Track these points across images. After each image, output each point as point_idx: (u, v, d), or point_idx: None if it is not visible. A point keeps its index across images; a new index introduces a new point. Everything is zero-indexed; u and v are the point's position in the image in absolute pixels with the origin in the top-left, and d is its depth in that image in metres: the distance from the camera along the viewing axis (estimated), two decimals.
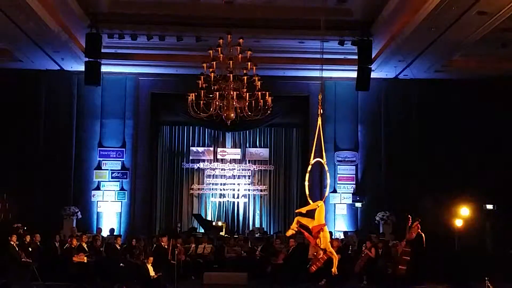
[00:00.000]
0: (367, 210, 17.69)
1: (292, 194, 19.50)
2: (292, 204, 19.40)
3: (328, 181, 10.10)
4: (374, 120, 18.16)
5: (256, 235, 17.10)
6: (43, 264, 13.46)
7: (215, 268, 14.23)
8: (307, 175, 9.20)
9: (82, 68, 15.80)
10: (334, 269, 8.67)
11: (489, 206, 15.72)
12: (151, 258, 12.81)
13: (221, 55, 10.97)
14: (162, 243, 13.94)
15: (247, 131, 19.52)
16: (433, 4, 11.93)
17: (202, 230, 17.60)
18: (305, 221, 8.93)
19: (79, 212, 16.97)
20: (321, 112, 9.30)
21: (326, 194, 9.74)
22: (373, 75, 16.07)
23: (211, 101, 11.11)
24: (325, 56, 14.71)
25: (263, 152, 19.77)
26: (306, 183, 9.20)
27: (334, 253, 8.69)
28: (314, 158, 9.18)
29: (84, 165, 17.80)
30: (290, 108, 18.57)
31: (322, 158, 9.23)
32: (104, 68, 15.97)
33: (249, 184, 19.58)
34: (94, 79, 15.54)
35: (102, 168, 17.89)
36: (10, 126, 17.20)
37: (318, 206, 8.73)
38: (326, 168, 9.26)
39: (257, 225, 19.18)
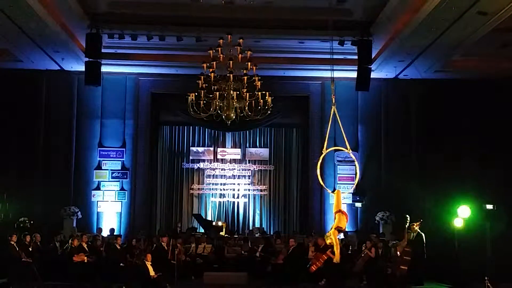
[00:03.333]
0: (367, 210, 17.69)
1: (292, 194, 19.50)
2: (292, 204, 19.43)
3: (357, 167, 10.14)
4: (374, 120, 18.16)
5: (256, 235, 17.10)
6: (43, 264, 13.46)
7: (215, 268, 14.21)
8: (318, 164, 9.34)
9: (82, 68, 15.81)
10: (336, 258, 8.95)
11: (489, 206, 15.68)
12: (149, 255, 12.83)
13: (221, 55, 11.01)
14: (162, 243, 13.96)
15: (247, 131, 19.52)
16: (433, 4, 11.93)
17: (202, 230, 17.61)
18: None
19: (79, 212, 16.97)
20: (334, 102, 9.52)
21: (356, 181, 10.12)
22: (373, 75, 16.07)
23: (211, 101, 11.14)
24: (325, 56, 14.78)
25: (263, 152, 19.78)
26: (318, 171, 9.33)
27: (335, 240, 8.89)
28: (327, 149, 9.38)
29: (84, 165, 17.80)
30: (290, 108, 18.57)
31: (346, 148, 9.41)
32: (104, 68, 15.97)
33: (249, 184, 19.58)
34: (94, 79, 15.54)
35: (102, 168, 17.88)
36: (10, 126, 17.20)
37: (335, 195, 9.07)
38: (352, 156, 9.39)
39: (257, 225, 19.18)
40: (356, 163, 10.46)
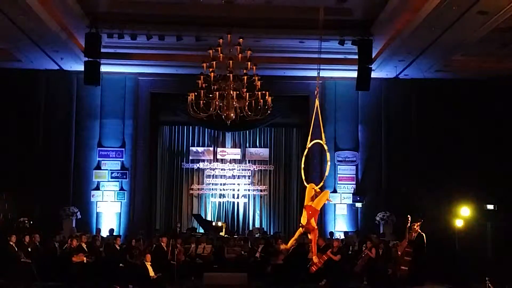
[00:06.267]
0: (367, 210, 17.68)
1: (292, 194, 19.48)
2: (292, 204, 19.42)
3: (328, 163, 10.00)
4: (374, 120, 18.15)
5: (256, 235, 17.08)
6: (42, 264, 13.44)
7: (215, 268, 14.20)
8: (303, 158, 9.21)
9: (81, 68, 15.78)
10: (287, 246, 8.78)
11: (489, 206, 15.68)
12: (149, 256, 12.81)
13: (221, 55, 10.96)
14: (162, 243, 13.94)
15: (247, 131, 19.51)
16: (433, 4, 11.92)
17: (202, 230, 17.59)
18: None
19: (79, 212, 16.95)
20: (318, 92, 9.44)
21: (326, 174, 9.61)
22: (373, 75, 16.06)
23: (211, 101, 11.09)
24: (325, 56, 14.76)
25: (263, 152, 19.77)
26: (302, 165, 9.18)
27: (312, 228, 8.70)
28: (311, 141, 9.18)
29: (84, 165, 17.77)
30: (290, 108, 18.55)
31: (321, 139, 9.22)
32: (103, 68, 15.94)
33: (249, 184, 19.57)
34: (94, 79, 15.52)
35: (102, 168, 17.85)
36: (9, 126, 17.18)
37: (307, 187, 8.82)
38: (326, 148, 9.21)
39: (257, 225, 19.18)
40: (328, 156, 10.28)
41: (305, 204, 8.72)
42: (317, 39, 14.37)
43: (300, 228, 8.70)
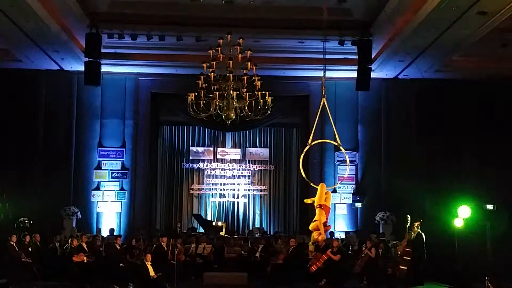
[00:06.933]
0: (367, 210, 17.69)
1: (292, 194, 19.49)
2: (292, 204, 19.43)
3: (348, 164, 10.02)
4: (374, 120, 18.16)
5: (256, 235, 17.09)
6: (43, 264, 13.47)
7: (215, 268, 14.22)
8: (302, 154, 9.22)
9: (82, 68, 15.80)
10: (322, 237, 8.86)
11: (489, 206, 15.67)
12: (149, 256, 12.83)
13: (221, 55, 10.96)
14: (162, 243, 13.96)
15: (247, 131, 19.53)
16: (433, 4, 11.93)
17: (202, 230, 17.61)
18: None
19: (79, 212, 16.97)
20: (324, 91, 9.49)
21: (346, 175, 9.77)
22: (373, 75, 16.06)
23: (211, 101, 11.10)
24: (325, 56, 14.73)
25: (263, 152, 19.78)
26: (301, 160, 9.21)
27: (321, 230, 8.78)
28: (313, 140, 9.17)
29: (84, 165, 17.79)
30: (290, 108, 18.56)
31: (335, 140, 9.25)
32: (104, 68, 15.95)
33: (249, 184, 19.59)
34: (94, 79, 15.53)
35: (102, 168, 17.88)
36: (10, 126, 17.19)
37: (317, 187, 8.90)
38: (343, 150, 9.24)
39: (257, 225, 19.19)
40: (346, 157, 10.31)
41: (318, 203, 8.76)
42: (316, 39, 14.47)
43: (317, 222, 8.75)
